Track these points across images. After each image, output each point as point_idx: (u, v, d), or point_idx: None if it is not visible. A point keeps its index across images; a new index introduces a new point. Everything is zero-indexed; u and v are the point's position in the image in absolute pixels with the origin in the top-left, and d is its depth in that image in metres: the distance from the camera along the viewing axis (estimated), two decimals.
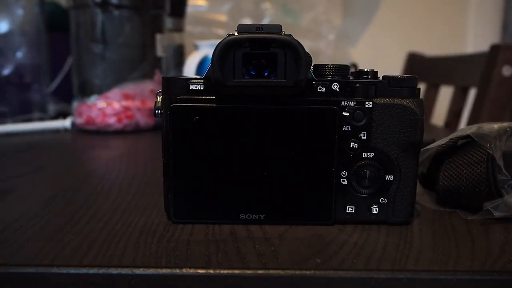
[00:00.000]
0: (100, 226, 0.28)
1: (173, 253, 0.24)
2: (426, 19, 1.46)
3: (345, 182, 0.28)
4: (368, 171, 0.28)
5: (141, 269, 0.22)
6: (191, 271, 0.22)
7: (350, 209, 0.28)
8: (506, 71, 0.76)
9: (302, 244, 0.25)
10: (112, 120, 0.66)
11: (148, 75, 0.69)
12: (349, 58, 1.40)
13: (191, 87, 0.27)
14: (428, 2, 1.46)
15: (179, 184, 0.28)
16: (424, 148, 0.32)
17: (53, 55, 0.80)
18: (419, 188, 0.31)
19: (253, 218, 0.28)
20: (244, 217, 0.28)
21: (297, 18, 1.27)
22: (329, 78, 0.27)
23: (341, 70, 0.28)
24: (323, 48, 1.28)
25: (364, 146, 0.28)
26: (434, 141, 0.34)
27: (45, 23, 0.77)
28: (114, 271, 0.22)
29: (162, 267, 0.22)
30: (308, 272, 0.22)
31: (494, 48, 0.79)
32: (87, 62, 0.67)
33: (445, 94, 1.06)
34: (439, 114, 1.07)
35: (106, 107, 0.66)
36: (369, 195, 0.28)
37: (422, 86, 1.15)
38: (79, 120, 0.68)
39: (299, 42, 0.25)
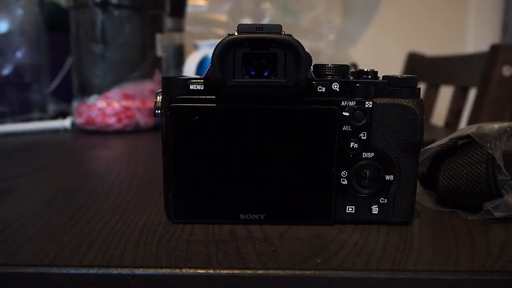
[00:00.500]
0: (100, 226, 0.28)
1: (173, 253, 0.24)
2: (426, 19, 1.46)
3: (345, 182, 0.28)
4: (368, 171, 0.28)
5: (141, 269, 0.22)
6: (191, 271, 0.22)
7: (350, 209, 0.28)
8: (506, 71, 0.76)
9: (302, 244, 0.25)
10: (112, 120, 0.66)
11: (148, 75, 0.69)
12: (349, 58, 1.40)
13: (191, 87, 0.27)
14: (428, 2, 1.46)
15: (179, 184, 0.28)
16: (424, 148, 0.32)
17: (53, 55, 0.80)
18: (419, 188, 0.31)
19: (253, 218, 0.28)
20: (244, 217, 0.28)
21: (297, 18, 1.27)
22: (329, 78, 0.27)
23: (341, 70, 0.28)
24: (323, 48, 1.28)
25: (364, 146, 0.28)
26: (434, 141, 0.34)
27: (45, 23, 0.77)
28: (114, 271, 0.22)
29: (162, 267, 0.22)
30: (308, 272, 0.22)
31: (494, 48, 0.79)
32: (87, 62, 0.67)
33: (445, 94, 1.06)
34: (439, 114, 1.07)
35: (106, 107, 0.66)
36: (369, 195, 0.28)
37: (422, 86, 1.15)
38: (79, 120, 0.68)
39: (299, 42, 0.25)
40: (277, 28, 0.26)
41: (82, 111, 0.67)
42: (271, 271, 0.22)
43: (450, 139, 0.32)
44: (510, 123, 0.31)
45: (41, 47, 0.76)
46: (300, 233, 0.27)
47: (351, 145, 0.28)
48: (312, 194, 0.28)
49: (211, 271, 0.22)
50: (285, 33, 0.26)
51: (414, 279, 0.22)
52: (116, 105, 0.66)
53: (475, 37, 1.47)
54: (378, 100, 0.27)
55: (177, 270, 0.22)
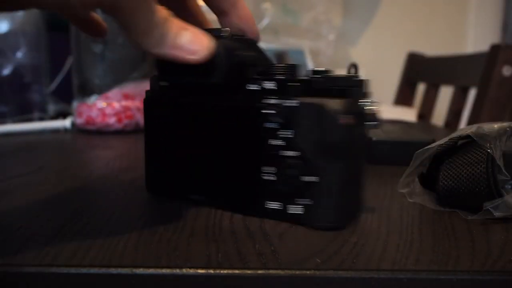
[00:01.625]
0: (100, 226, 0.28)
1: (173, 253, 0.24)
2: (426, 19, 1.46)
3: (270, 178, 0.28)
4: (290, 170, 0.27)
5: (141, 269, 0.22)
6: (191, 271, 0.22)
7: (274, 205, 0.28)
8: (506, 71, 0.76)
9: (302, 244, 0.25)
10: (112, 120, 0.66)
11: (148, 75, 0.69)
12: (349, 58, 1.40)
13: (161, 84, 0.32)
14: (428, 2, 1.46)
15: (150, 162, 0.34)
16: (424, 148, 0.32)
17: (53, 55, 0.80)
18: (419, 188, 0.31)
19: (199, 199, 0.31)
20: (194, 197, 0.31)
21: (297, 18, 1.26)
22: (267, 77, 0.28)
23: (289, 69, 0.28)
24: (323, 48, 1.28)
25: (288, 144, 0.27)
26: (434, 141, 0.34)
27: (45, 23, 0.76)
28: (114, 271, 0.22)
29: (162, 267, 0.22)
30: (308, 272, 0.22)
31: (494, 48, 0.79)
32: (87, 62, 0.67)
33: (445, 94, 1.06)
34: (439, 114, 1.07)
35: (106, 107, 0.66)
36: (292, 194, 0.27)
37: (422, 86, 1.15)
38: (79, 120, 0.68)
39: (234, 41, 0.27)
40: (217, 31, 0.27)
41: (82, 111, 0.67)
42: (271, 271, 0.22)
43: (450, 139, 0.32)
44: (510, 123, 0.31)
45: (41, 47, 0.76)
46: (300, 233, 0.27)
47: (276, 142, 0.27)
48: (243, 187, 0.29)
49: (211, 271, 0.22)
50: (247, 35, 0.29)
51: (414, 279, 0.22)
52: (116, 105, 0.66)
53: (475, 37, 1.47)
54: (304, 100, 0.26)
55: (177, 270, 0.22)
